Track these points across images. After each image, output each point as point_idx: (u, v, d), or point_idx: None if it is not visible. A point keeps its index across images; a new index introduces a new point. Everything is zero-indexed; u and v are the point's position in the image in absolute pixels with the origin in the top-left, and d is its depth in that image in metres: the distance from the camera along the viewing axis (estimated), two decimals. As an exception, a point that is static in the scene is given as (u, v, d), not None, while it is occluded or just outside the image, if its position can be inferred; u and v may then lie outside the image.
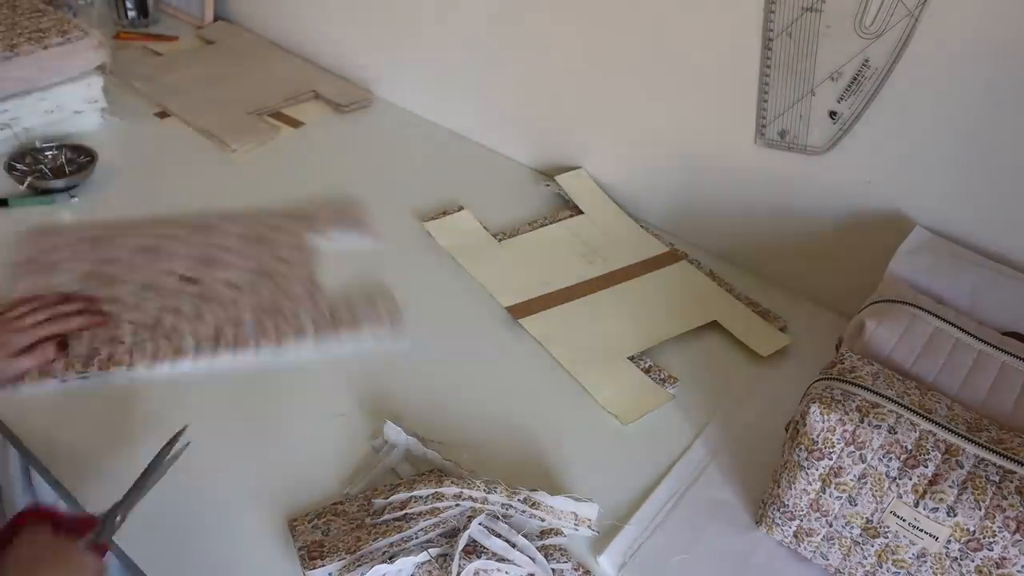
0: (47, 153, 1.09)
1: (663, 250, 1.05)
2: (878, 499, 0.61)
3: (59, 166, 1.08)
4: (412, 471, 0.74)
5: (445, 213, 1.07)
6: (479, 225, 1.05)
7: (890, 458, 0.60)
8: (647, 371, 0.87)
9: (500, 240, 1.03)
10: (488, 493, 0.68)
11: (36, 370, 0.79)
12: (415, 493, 0.68)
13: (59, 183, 1.04)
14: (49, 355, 0.80)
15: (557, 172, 1.15)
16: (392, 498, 0.69)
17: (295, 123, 1.27)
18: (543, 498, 0.69)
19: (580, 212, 1.09)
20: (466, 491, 0.68)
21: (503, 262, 1.00)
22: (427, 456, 0.75)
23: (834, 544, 0.66)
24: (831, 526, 0.65)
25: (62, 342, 0.81)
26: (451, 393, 0.83)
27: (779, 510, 0.68)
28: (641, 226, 1.09)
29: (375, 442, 0.76)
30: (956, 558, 0.59)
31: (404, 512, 0.68)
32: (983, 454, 0.59)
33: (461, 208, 1.08)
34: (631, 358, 0.88)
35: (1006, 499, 0.57)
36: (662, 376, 0.86)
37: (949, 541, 0.59)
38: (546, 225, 1.07)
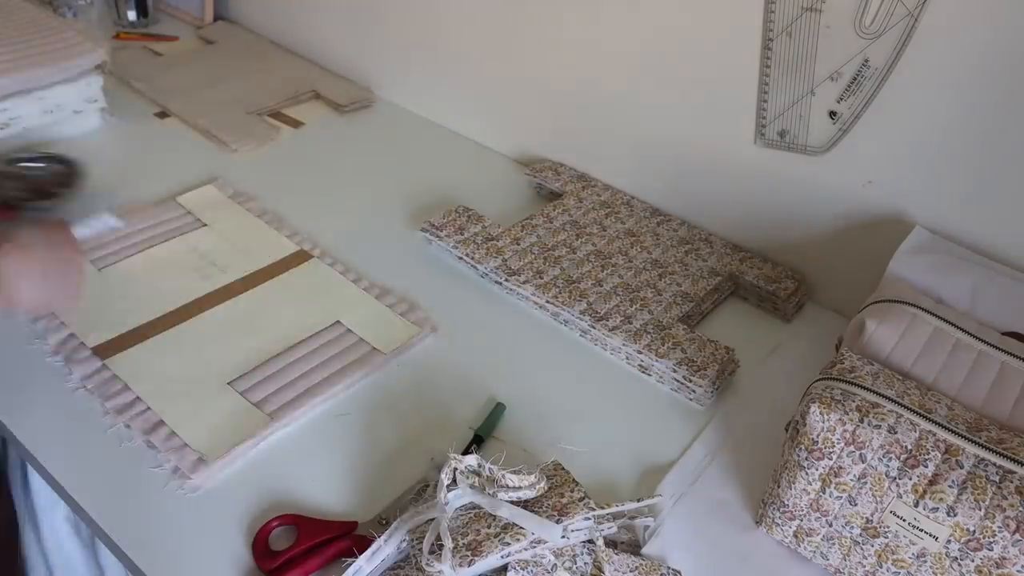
0: (32, 168, 1.02)
1: (294, 249, 0.99)
2: (878, 499, 0.61)
3: (42, 184, 1.00)
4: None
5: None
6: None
7: (890, 458, 0.60)
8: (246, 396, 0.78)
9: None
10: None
11: None
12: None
13: (44, 205, 0.97)
14: None
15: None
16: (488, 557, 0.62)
17: (295, 123, 1.26)
18: (612, 509, 0.69)
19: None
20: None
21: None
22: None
23: (834, 544, 0.66)
24: (831, 526, 0.65)
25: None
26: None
27: (779, 510, 0.68)
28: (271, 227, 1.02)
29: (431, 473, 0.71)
30: (956, 558, 0.59)
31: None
32: (983, 454, 0.59)
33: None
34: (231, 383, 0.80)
35: (1006, 499, 0.57)
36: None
37: (949, 541, 0.59)
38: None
